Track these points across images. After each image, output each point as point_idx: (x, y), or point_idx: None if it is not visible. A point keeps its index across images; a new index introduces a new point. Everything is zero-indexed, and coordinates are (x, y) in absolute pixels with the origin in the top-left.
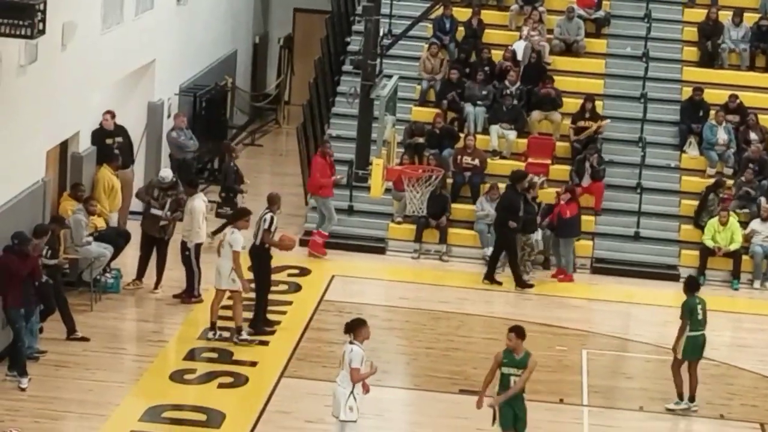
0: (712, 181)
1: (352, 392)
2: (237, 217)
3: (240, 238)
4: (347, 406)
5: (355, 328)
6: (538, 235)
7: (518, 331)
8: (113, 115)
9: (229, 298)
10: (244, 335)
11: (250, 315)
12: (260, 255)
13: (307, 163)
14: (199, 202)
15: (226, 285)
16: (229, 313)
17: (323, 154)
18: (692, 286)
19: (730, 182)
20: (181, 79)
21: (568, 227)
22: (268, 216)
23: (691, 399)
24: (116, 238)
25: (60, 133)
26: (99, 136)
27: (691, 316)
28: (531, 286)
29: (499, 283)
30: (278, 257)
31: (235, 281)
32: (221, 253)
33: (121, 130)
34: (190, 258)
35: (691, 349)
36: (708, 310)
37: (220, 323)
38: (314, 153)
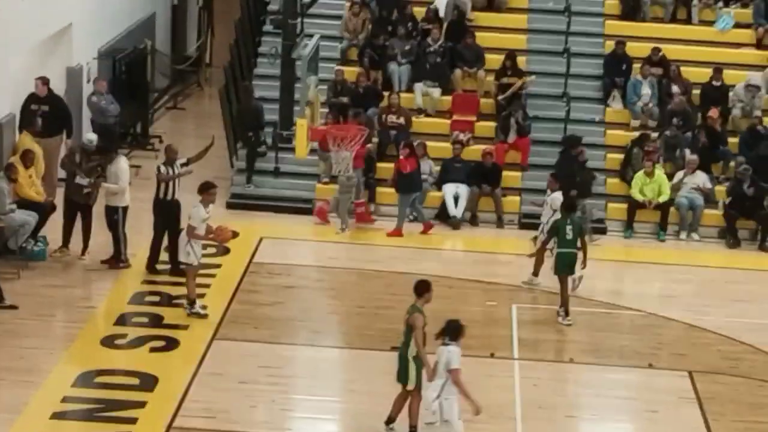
0: (636, 134)
1: (439, 395)
2: (202, 190)
3: (200, 214)
4: (430, 410)
5: (452, 330)
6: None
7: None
8: (44, 82)
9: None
10: (197, 308)
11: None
12: (160, 209)
13: (231, 126)
14: (124, 165)
15: (182, 257)
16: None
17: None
18: (567, 205)
19: (654, 135)
20: (99, 42)
21: (407, 182)
22: (156, 168)
23: (566, 313)
24: (41, 206)
25: None
26: (27, 100)
27: (558, 234)
28: None
29: None
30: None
31: (189, 254)
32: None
33: (53, 99)
34: (118, 222)
35: (560, 265)
36: (635, 262)
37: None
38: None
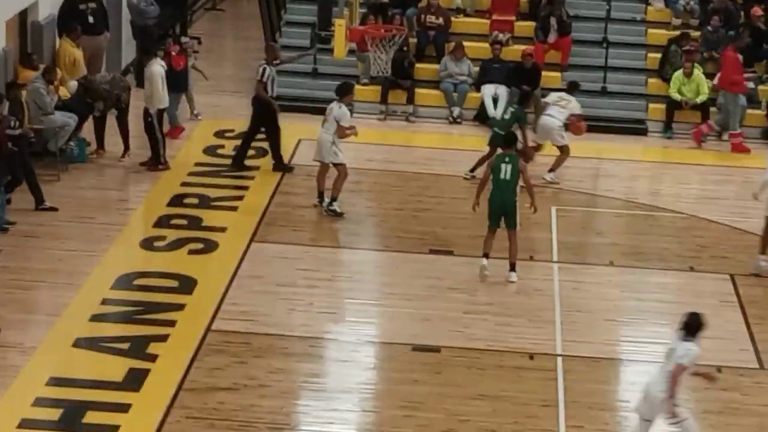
0: (676, 33)
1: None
2: (343, 92)
3: (347, 113)
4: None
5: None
6: None
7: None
8: None
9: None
10: (335, 206)
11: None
12: (259, 106)
13: (269, 26)
14: (157, 67)
15: (329, 158)
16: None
17: (735, 49)
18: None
19: (696, 34)
20: None
21: (180, 80)
22: (261, 68)
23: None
24: (80, 108)
25: (18, 2)
26: (71, 1)
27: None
28: None
29: None
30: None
31: (337, 154)
32: (324, 127)
33: None
34: (153, 125)
35: None
36: (675, 163)
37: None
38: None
